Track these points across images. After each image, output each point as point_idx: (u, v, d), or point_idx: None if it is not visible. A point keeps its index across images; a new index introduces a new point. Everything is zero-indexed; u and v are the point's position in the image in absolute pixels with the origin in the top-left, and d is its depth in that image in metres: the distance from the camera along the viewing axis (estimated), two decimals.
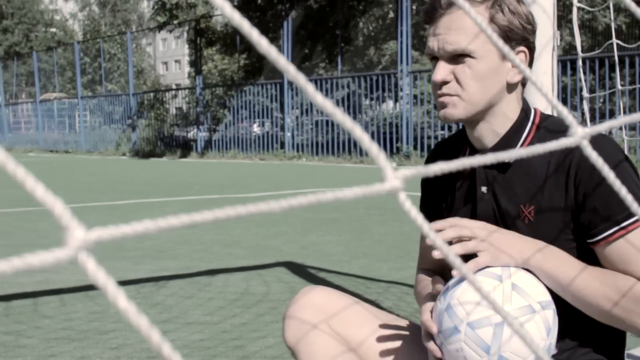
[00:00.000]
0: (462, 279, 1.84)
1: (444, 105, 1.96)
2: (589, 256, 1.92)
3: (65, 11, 78.65)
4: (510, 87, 1.98)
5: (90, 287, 5.57)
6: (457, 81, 1.94)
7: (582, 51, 3.63)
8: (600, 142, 1.90)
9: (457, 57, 1.92)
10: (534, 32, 1.99)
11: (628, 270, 1.85)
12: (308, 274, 6.01)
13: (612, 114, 21.14)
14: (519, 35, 1.95)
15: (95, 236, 0.50)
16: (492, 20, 1.91)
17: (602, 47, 3.65)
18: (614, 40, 3.52)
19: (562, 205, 1.91)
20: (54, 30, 70.34)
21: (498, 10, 1.92)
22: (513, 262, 1.85)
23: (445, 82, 1.94)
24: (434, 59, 1.98)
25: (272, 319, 4.61)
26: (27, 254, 0.47)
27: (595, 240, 1.88)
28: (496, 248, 1.85)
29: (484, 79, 1.93)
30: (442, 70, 1.93)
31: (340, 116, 0.58)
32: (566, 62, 20.16)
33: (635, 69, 18.62)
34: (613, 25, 3.80)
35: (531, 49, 1.98)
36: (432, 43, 1.96)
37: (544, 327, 1.79)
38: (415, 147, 23.55)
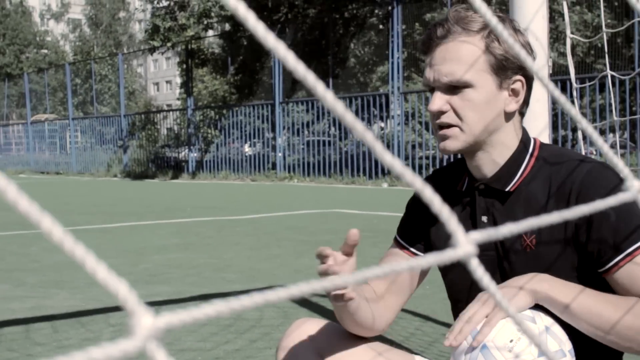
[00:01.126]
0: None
1: (444, 138, 1.96)
2: (590, 283, 1.91)
3: (57, 32, 78.70)
4: (508, 116, 1.98)
5: (83, 313, 5.55)
6: (455, 111, 1.94)
7: (561, 68, 3.64)
8: (599, 170, 1.90)
9: (453, 88, 1.93)
10: (532, 59, 1.99)
11: (634, 294, 1.85)
12: (301, 299, 5.99)
13: (603, 133, 21.22)
14: (515, 65, 1.94)
15: (164, 323, 0.48)
16: (487, 49, 1.92)
17: (597, 78, 3.66)
18: (608, 72, 3.53)
19: (563, 234, 1.92)
20: (45, 51, 70.33)
21: (494, 39, 1.92)
22: (528, 300, 1.85)
23: (442, 112, 1.94)
24: (432, 89, 1.98)
25: (265, 345, 4.59)
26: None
27: (606, 268, 1.88)
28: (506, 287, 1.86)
29: (481, 108, 1.93)
30: (439, 101, 1.93)
31: (389, 159, 0.58)
32: (557, 81, 20.21)
33: (625, 87, 18.72)
34: (607, 60, 3.82)
35: (528, 77, 1.98)
36: (429, 74, 1.96)
37: None
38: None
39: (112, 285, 0.47)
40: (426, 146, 24.13)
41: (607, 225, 1.86)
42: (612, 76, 3.69)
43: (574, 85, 3.42)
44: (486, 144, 1.98)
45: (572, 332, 1.87)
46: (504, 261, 2.01)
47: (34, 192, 22.59)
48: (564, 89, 20.16)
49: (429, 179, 2.27)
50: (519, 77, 1.96)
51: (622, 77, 3.59)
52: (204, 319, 0.50)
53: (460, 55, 1.91)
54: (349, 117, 0.53)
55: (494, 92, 1.94)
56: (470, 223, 2.07)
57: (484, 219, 2.04)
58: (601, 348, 1.91)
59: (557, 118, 20.60)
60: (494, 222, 2.02)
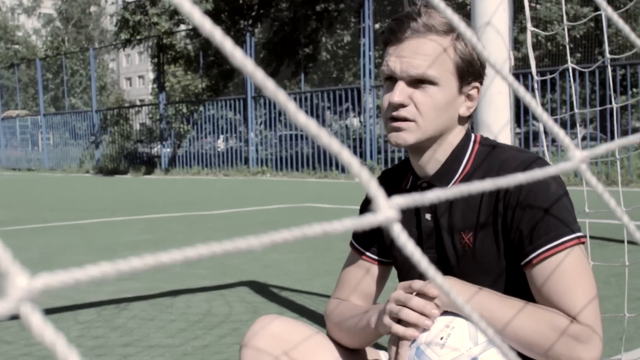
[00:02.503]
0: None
1: (397, 129, 1.96)
2: (519, 283, 1.93)
3: (28, 27, 78.11)
4: (460, 120, 2.01)
5: (52, 311, 5.53)
6: (415, 106, 1.94)
7: (538, 60, 3.67)
8: (530, 164, 1.92)
9: (417, 82, 1.93)
10: (485, 68, 2.01)
11: (550, 297, 1.84)
12: (270, 294, 6.00)
13: (574, 125, 21.30)
14: (476, 71, 1.97)
15: (41, 284, 0.43)
16: (455, 52, 1.93)
17: (559, 69, 3.69)
18: (570, 65, 3.56)
19: (493, 229, 1.93)
20: (16, 46, 69.80)
21: (462, 43, 1.93)
22: (441, 307, 1.87)
23: (402, 105, 1.94)
24: (390, 79, 1.97)
25: (234, 341, 4.60)
26: None
27: (523, 262, 1.89)
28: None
29: (440, 108, 1.94)
30: (402, 93, 1.92)
31: (326, 138, 0.55)
32: (519, 75, 20.31)
33: (595, 79, 18.84)
34: (568, 49, 3.85)
35: (482, 83, 2.02)
36: (394, 64, 1.94)
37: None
38: (378, 162, 23.62)
39: None
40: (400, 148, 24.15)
41: (527, 220, 1.87)
42: (578, 68, 3.71)
43: (535, 77, 3.44)
44: (435, 143, 2.00)
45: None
46: (445, 261, 2.02)
47: (4, 189, 22.47)
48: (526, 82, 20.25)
49: (378, 179, 2.28)
50: (476, 83, 1.99)
51: (583, 70, 3.62)
52: (85, 280, 0.45)
53: (431, 53, 1.91)
54: (300, 118, 0.53)
55: (454, 94, 1.95)
56: (415, 221, 2.09)
57: (428, 216, 2.05)
58: None
59: (528, 114, 20.68)
60: (436, 221, 2.04)
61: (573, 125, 20.97)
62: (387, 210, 0.56)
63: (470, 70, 1.95)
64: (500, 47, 3.47)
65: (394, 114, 1.95)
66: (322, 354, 2.16)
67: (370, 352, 2.27)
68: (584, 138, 23.76)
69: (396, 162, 23.52)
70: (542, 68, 20.80)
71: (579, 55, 28.67)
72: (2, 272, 0.42)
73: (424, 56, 1.91)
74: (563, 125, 19.75)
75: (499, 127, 3.43)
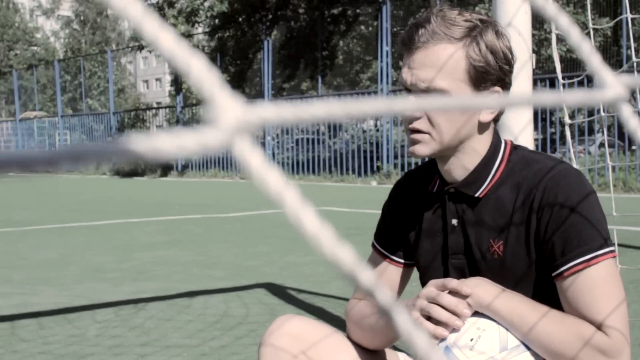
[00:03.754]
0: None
1: (414, 142, 1.95)
2: (550, 293, 1.92)
3: (47, 29, 78.45)
4: (482, 126, 1.97)
5: (69, 310, 5.55)
6: (428, 119, 1.92)
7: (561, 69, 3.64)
8: (564, 176, 1.90)
9: (429, 94, 1.89)
10: (511, 71, 1.97)
11: (580, 308, 1.83)
12: (288, 296, 6.00)
13: (592, 132, 21.23)
14: (495, 76, 1.92)
15: (256, 116, 0.41)
16: (467, 59, 1.89)
17: (585, 73, 3.68)
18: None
19: (525, 239, 1.91)
20: (35, 48, 70.09)
21: (475, 48, 1.89)
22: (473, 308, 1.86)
23: (415, 118, 1.92)
24: (407, 90, 1.95)
25: (251, 342, 4.60)
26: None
27: (554, 274, 1.88)
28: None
29: (455, 118, 1.91)
30: None
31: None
32: (545, 80, 20.28)
33: None
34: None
35: (506, 87, 1.96)
36: (406, 75, 1.93)
37: None
38: (395, 166, 23.59)
39: (201, 76, 0.40)
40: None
41: (560, 232, 1.85)
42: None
43: (560, 80, 3.42)
44: (457, 150, 1.97)
45: None
46: (473, 267, 2.01)
47: (22, 190, 22.56)
48: (552, 86, 20.21)
49: (401, 182, 2.27)
50: (496, 88, 1.93)
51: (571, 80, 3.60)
52: (294, 117, 0.43)
53: (440, 63, 1.88)
54: None
55: None
56: (441, 226, 2.08)
57: (454, 222, 2.03)
58: None
59: (545, 120, 20.65)
60: (463, 226, 2.02)
61: (591, 132, 20.89)
62: (617, 86, 0.53)
63: (486, 76, 1.90)
64: (522, 48, 3.46)
65: (410, 126, 1.95)
66: (340, 354, 2.16)
67: (389, 353, 2.26)
68: (601, 145, 23.66)
69: (412, 167, 23.59)
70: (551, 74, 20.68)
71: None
72: (214, 102, 0.40)
73: (431, 67, 1.88)
74: (581, 132, 19.70)
75: (520, 128, 3.42)
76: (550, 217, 1.86)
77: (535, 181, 1.90)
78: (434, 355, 0.49)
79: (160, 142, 0.40)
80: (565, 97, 0.50)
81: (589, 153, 20.40)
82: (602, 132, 22.24)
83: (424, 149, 1.94)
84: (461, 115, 1.91)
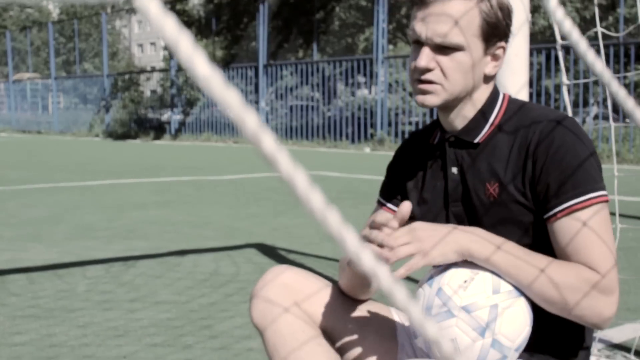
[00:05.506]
0: (448, 266, 1.86)
1: (424, 92, 1.95)
2: (545, 236, 1.92)
3: None
4: (487, 79, 2.01)
5: (59, 266, 5.54)
6: (442, 70, 1.93)
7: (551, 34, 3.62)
8: (562, 121, 1.91)
9: (443, 48, 1.92)
10: (511, 27, 2.01)
11: (570, 251, 1.86)
12: (278, 256, 6.00)
13: (586, 104, 21.24)
14: (502, 31, 1.96)
15: None
16: (480, 14, 1.92)
17: (586, 34, 3.64)
18: (599, 29, 3.51)
19: (522, 181, 1.93)
20: (29, 10, 69.66)
21: (487, 4, 1.92)
22: (453, 254, 1.86)
23: (428, 69, 1.93)
24: (417, 42, 1.96)
25: (240, 299, 4.60)
26: None
27: (547, 215, 1.89)
28: (436, 245, 1.86)
29: (466, 71, 1.93)
30: (427, 58, 1.92)
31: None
32: (541, 49, 20.24)
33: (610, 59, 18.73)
34: (597, 13, 3.80)
35: (507, 42, 2.00)
36: (420, 28, 1.93)
37: (528, 312, 1.82)
38: (389, 133, 23.58)
39: None
40: (410, 113, 24.12)
41: (556, 173, 1.87)
42: (607, 32, 3.64)
43: (559, 41, 3.40)
44: (462, 101, 2.00)
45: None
46: (471, 214, 2.02)
47: (14, 150, 22.52)
48: (548, 57, 20.18)
49: (406, 141, 2.29)
50: (502, 43, 1.97)
51: (613, 35, 3.57)
52: None
53: (456, 17, 1.90)
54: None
55: (480, 56, 1.94)
56: (442, 174, 2.09)
57: (454, 170, 2.05)
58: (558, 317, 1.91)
59: (541, 89, 20.61)
60: (462, 172, 2.03)
61: (585, 104, 20.90)
62: None
63: (496, 32, 1.94)
64: (519, 8, 3.43)
65: (421, 77, 1.95)
66: (333, 305, 2.16)
67: (380, 308, 2.27)
68: (596, 117, 23.67)
69: (407, 135, 23.49)
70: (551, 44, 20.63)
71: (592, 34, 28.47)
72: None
73: (448, 22, 1.90)
74: (575, 104, 19.70)
75: (516, 89, 3.40)
76: (546, 160, 1.88)
77: (532, 126, 1.93)
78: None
79: None
80: None
81: (584, 122, 20.41)
82: (598, 105, 22.24)
83: (435, 99, 1.96)
84: (472, 69, 1.94)
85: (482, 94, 2.01)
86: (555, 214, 1.87)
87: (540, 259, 1.84)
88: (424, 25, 1.92)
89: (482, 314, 1.78)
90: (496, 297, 1.80)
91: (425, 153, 2.15)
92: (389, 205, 2.24)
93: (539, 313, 1.88)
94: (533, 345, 1.93)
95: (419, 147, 2.19)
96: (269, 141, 0.41)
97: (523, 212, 1.94)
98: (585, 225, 1.85)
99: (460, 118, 2.02)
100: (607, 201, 1.89)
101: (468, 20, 1.90)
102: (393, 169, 2.27)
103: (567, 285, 1.81)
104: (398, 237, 1.84)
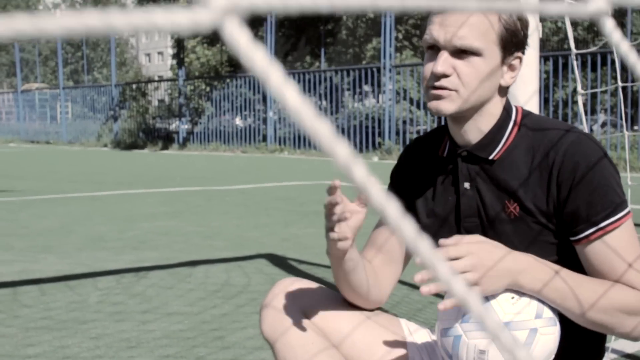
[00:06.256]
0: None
1: (438, 97, 1.94)
2: (570, 252, 1.93)
3: (49, 0, 78.12)
4: (501, 90, 2.00)
5: (71, 277, 5.55)
6: (458, 76, 1.92)
7: (561, 43, 3.63)
8: (582, 141, 1.91)
9: (461, 52, 1.91)
10: (527, 39, 2.01)
11: (605, 270, 1.87)
12: (289, 266, 6.00)
13: (594, 112, 21.21)
14: (520, 41, 1.96)
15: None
16: (500, 21, 1.92)
17: (599, 45, 3.64)
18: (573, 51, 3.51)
19: (545, 203, 1.93)
20: None
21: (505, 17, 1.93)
22: (504, 286, 1.86)
23: (444, 75, 1.92)
24: (432, 48, 1.95)
25: (252, 310, 4.60)
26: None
27: (576, 239, 1.90)
28: (487, 274, 1.83)
29: (483, 79, 1.93)
30: (445, 63, 1.91)
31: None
32: (549, 57, 20.23)
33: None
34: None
35: (524, 54, 2.01)
36: (438, 33, 1.92)
37: (558, 340, 1.84)
38: (397, 142, 23.58)
39: None
40: (417, 122, 24.13)
41: (584, 196, 1.88)
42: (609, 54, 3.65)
43: (573, 50, 3.41)
44: (476, 112, 1.99)
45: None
46: (488, 229, 2.01)
47: (22, 161, 22.58)
48: (556, 65, 20.16)
49: (411, 147, 2.27)
50: (519, 53, 1.97)
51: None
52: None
53: (476, 23, 1.90)
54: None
55: (497, 65, 1.93)
56: (453, 189, 2.08)
57: (467, 185, 2.04)
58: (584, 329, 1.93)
59: (549, 94, 20.59)
60: (477, 189, 2.03)
61: (593, 112, 20.88)
62: (599, 0, 0.52)
63: (514, 41, 1.94)
64: (529, 18, 3.44)
65: (436, 83, 1.94)
66: (342, 318, 2.16)
67: (390, 320, 2.27)
68: (603, 124, 23.63)
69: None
70: (566, 51, 20.64)
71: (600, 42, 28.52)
72: None
73: (469, 26, 1.89)
74: (584, 112, 19.65)
75: (526, 98, 3.41)
76: (572, 183, 1.89)
77: (553, 147, 1.93)
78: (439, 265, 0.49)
79: (156, 16, 0.39)
80: (547, 7, 0.49)
81: (591, 130, 20.36)
82: (605, 112, 22.20)
83: (450, 105, 1.94)
84: (489, 77, 1.94)
85: (496, 107, 2.01)
86: (587, 236, 1.89)
87: (593, 285, 1.87)
88: (442, 29, 1.91)
89: (521, 335, 1.80)
90: (538, 321, 1.82)
91: (434, 165, 2.13)
92: None
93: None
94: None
95: (426, 157, 2.17)
96: (261, 58, 0.42)
97: (545, 233, 1.95)
98: (619, 245, 1.88)
99: (475, 131, 2.01)
100: (631, 215, 1.92)
101: (488, 26, 1.90)
102: (398, 177, 2.26)
103: (609, 306, 1.85)
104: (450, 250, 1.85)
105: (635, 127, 20.49)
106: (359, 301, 2.18)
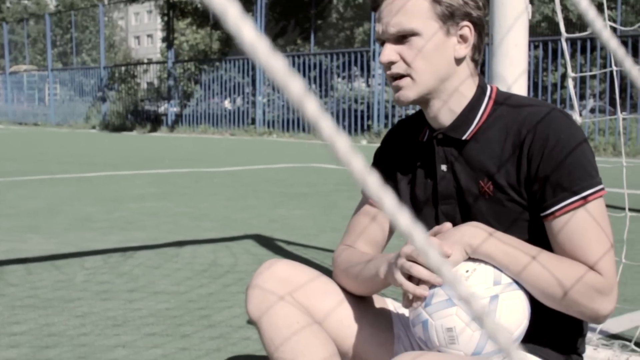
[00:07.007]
0: None
1: (397, 89, 1.98)
2: (543, 232, 1.93)
3: None
4: (459, 62, 1.99)
5: (57, 257, 5.54)
6: (404, 61, 1.95)
7: (556, 33, 3.62)
8: (555, 117, 1.91)
9: (402, 38, 1.94)
10: (478, 7, 1.98)
11: (572, 248, 1.86)
12: (276, 247, 6.01)
13: (583, 98, 21.22)
14: (461, 12, 1.95)
15: None
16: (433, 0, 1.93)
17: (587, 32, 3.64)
18: (607, 23, 3.50)
19: (516, 179, 1.93)
20: (26, 1, 69.50)
21: None
22: (461, 254, 1.87)
23: (392, 63, 1.96)
24: (382, 43, 1.99)
25: (238, 290, 4.60)
26: None
27: (544, 214, 1.90)
28: (443, 239, 1.88)
29: (429, 56, 1.94)
30: (388, 51, 1.95)
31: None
32: (538, 42, 20.24)
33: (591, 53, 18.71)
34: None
35: (476, 23, 1.98)
36: (378, 27, 1.99)
37: (527, 304, 1.83)
38: (386, 126, 23.59)
39: None
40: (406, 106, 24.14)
41: (553, 171, 1.87)
42: (615, 26, 3.63)
43: (563, 34, 3.40)
44: (440, 92, 1.99)
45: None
46: (465, 210, 2.02)
47: (10, 142, 22.50)
48: (545, 49, 20.17)
49: (393, 130, 2.27)
50: (466, 22, 1.96)
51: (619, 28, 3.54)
52: None
53: (406, 6, 1.92)
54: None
55: (442, 38, 1.94)
56: (431, 172, 2.08)
57: (443, 167, 2.04)
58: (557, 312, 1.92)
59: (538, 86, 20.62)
60: (453, 170, 2.03)
61: (582, 97, 20.90)
62: None
63: (452, 11, 1.94)
64: (517, 0, 3.43)
65: (388, 72, 1.98)
66: (327, 296, 2.16)
67: (376, 299, 2.27)
68: (592, 110, 23.68)
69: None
70: (556, 36, 20.68)
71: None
72: None
73: (399, 12, 1.93)
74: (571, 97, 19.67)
75: (514, 79, 3.40)
76: (542, 159, 1.87)
77: (525, 123, 1.92)
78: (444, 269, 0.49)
79: None
80: None
81: (580, 115, 20.39)
82: (595, 98, 22.24)
83: (408, 92, 1.97)
84: (435, 52, 1.94)
85: (466, 86, 2.01)
86: (553, 212, 1.88)
87: (542, 255, 1.86)
88: (380, 23, 1.98)
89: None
90: (496, 288, 1.82)
91: (415, 150, 2.14)
92: None
93: (537, 304, 1.89)
94: (530, 336, 1.94)
95: (408, 141, 2.17)
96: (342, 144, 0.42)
97: (518, 210, 1.94)
98: (582, 222, 1.86)
99: (448, 113, 2.01)
100: (604, 194, 1.89)
101: (416, 4, 1.92)
102: (381, 159, 2.26)
103: (559, 279, 1.83)
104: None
105: (624, 113, 20.53)
106: (362, 294, 2.20)
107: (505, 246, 1.85)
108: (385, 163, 2.22)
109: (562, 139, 1.87)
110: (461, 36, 1.97)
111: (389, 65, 1.96)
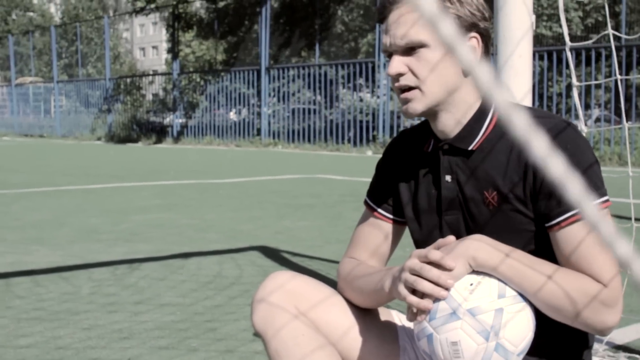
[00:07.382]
0: None
1: (405, 101, 1.97)
2: (548, 243, 1.92)
3: None
4: (466, 73, 1.98)
5: (63, 269, 5.55)
6: (412, 72, 1.94)
7: (556, 40, 3.63)
8: (562, 128, 1.91)
9: (409, 50, 1.93)
10: (485, 18, 1.99)
11: (577, 260, 1.85)
12: (281, 258, 6.01)
13: (588, 107, 21.23)
14: (468, 23, 1.95)
15: None
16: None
17: (595, 39, 3.63)
18: (610, 32, 3.50)
19: (522, 190, 1.92)
20: (31, 14, 69.69)
21: (446, 1, 1.92)
22: (464, 266, 1.86)
23: (400, 75, 1.94)
24: (390, 55, 1.98)
25: (244, 302, 4.60)
26: None
27: (549, 225, 1.89)
28: (447, 252, 1.87)
29: (437, 67, 1.93)
30: (396, 63, 1.94)
31: None
32: (543, 53, 20.25)
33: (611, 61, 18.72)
34: (608, 15, 3.80)
35: (482, 34, 1.98)
36: (385, 40, 1.97)
37: (532, 317, 1.83)
38: (391, 136, 23.60)
39: None
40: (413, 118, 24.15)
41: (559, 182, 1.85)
42: (617, 34, 3.63)
43: (568, 43, 3.40)
44: (448, 103, 1.98)
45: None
46: (469, 220, 2.01)
47: (16, 154, 22.54)
48: (550, 59, 20.18)
49: (396, 140, 2.27)
50: (473, 34, 1.97)
51: (623, 36, 3.56)
52: None
53: (414, 18, 1.92)
54: None
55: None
56: (434, 183, 2.08)
57: (448, 178, 2.04)
58: (564, 326, 1.92)
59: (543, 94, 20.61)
60: (458, 181, 2.02)
61: (587, 107, 20.90)
62: None
63: (461, 24, 1.94)
64: (522, 11, 3.44)
65: (397, 85, 1.96)
66: (333, 309, 2.16)
67: (382, 311, 2.26)
68: (597, 119, 23.66)
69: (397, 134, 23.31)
70: (562, 46, 20.67)
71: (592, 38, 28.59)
72: None
73: (406, 24, 1.92)
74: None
75: (519, 90, 3.41)
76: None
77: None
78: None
79: None
80: None
81: (586, 125, 20.37)
82: (600, 107, 22.23)
83: (417, 105, 1.96)
84: (443, 64, 1.94)
85: (470, 96, 2.00)
86: (558, 223, 1.87)
87: (546, 267, 1.85)
88: (388, 35, 1.96)
89: (487, 317, 1.79)
90: (501, 301, 1.81)
91: (419, 160, 2.13)
92: (380, 210, 2.22)
93: (542, 317, 1.88)
94: (536, 349, 1.93)
95: (412, 151, 2.16)
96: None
97: (524, 221, 1.93)
98: (588, 234, 1.85)
99: (454, 124, 2.00)
100: (609, 206, 1.89)
101: (425, 17, 1.91)
102: (383, 170, 2.25)
103: (568, 295, 1.82)
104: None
105: (629, 122, 20.52)
106: (367, 306, 2.20)
107: (509, 259, 1.84)
108: (389, 173, 2.22)
109: (569, 150, 1.87)
110: (469, 47, 1.97)
111: (397, 77, 1.95)
